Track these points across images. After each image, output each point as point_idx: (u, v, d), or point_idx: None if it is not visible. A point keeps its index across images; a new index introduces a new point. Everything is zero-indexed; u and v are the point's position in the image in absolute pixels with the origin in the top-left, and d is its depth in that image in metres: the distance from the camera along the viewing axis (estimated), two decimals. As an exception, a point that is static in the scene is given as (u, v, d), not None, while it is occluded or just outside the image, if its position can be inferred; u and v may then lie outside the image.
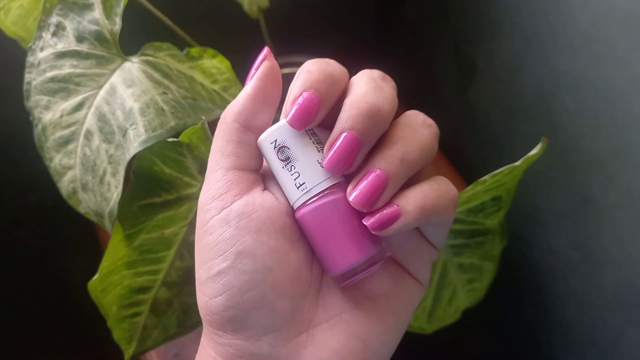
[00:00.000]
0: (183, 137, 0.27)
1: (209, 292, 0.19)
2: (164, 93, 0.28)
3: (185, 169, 0.29)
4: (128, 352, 0.31)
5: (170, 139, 0.28)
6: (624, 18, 0.41)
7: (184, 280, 0.32)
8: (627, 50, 0.41)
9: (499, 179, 0.29)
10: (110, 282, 0.29)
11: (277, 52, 0.52)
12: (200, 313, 0.20)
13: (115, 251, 0.28)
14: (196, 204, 0.31)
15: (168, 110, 0.28)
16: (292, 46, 0.51)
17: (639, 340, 0.46)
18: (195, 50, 0.30)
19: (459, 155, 0.67)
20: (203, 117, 0.26)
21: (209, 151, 0.27)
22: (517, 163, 0.29)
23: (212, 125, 0.29)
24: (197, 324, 0.33)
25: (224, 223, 0.19)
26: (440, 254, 0.35)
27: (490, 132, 0.61)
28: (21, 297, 0.74)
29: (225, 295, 0.18)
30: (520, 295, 0.61)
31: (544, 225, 0.55)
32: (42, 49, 0.29)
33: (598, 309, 0.50)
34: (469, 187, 0.29)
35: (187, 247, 0.31)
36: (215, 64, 0.30)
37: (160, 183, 0.29)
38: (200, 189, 0.31)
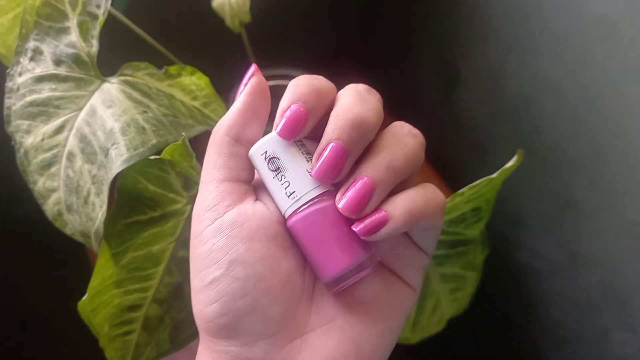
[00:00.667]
0: (165, 154, 0.27)
1: (204, 300, 0.19)
2: (144, 112, 0.28)
3: (169, 185, 0.30)
4: (119, 370, 0.31)
5: (152, 157, 0.28)
6: (600, 23, 0.41)
7: (174, 296, 0.32)
8: (605, 55, 0.42)
9: (477, 190, 0.30)
10: (100, 302, 0.29)
11: (260, 65, 0.52)
12: (196, 322, 0.20)
13: (103, 270, 0.29)
14: (182, 220, 0.31)
15: (149, 128, 0.28)
16: (276, 58, 0.52)
17: (624, 340, 0.46)
18: (173, 68, 0.30)
19: (444, 161, 0.68)
20: (183, 134, 0.26)
21: (191, 167, 0.28)
22: (494, 175, 0.29)
23: (194, 141, 0.29)
24: (189, 339, 0.33)
25: (217, 232, 0.19)
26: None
27: (473, 137, 0.62)
28: (10, 312, 0.73)
29: (219, 303, 0.19)
30: (507, 297, 0.61)
31: (529, 228, 0.55)
32: (20, 74, 0.30)
33: (584, 309, 0.50)
34: (449, 199, 0.29)
35: (176, 263, 0.31)
36: (194, 80, 0.31)
37: (145, 200, 0.29)
38: (185, 204, 0.31)
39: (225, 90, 0.39)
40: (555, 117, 0.49)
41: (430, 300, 0.37)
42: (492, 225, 0.56)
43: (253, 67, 0.21)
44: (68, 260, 0.70)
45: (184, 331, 0.33)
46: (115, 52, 0.35)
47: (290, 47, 0.67)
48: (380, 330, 0.21)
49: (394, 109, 0.64)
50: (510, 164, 0.30)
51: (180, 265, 0.32)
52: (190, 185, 0.29)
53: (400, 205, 0.19)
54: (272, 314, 0.19)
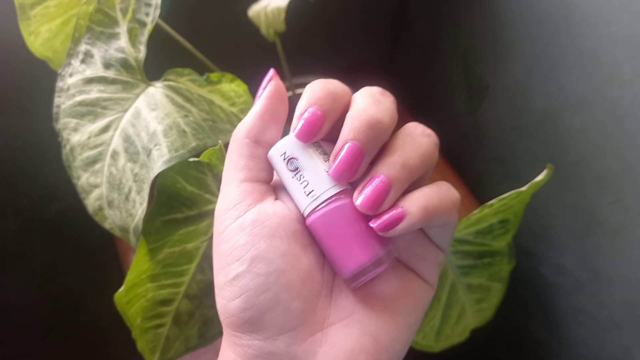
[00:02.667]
0: (203, 157, 0.29)
1: (227, 296, 0.20)
2: (186, 116, 0.29)
3: (205, 186, 0.31)
4: (150, 362, 0.32)
5: (191, 159, 0.29)
6: (630, 41, 0.42)
7: (205, 293, 0.33)
8: (633, 72, 0.42)
9: (506, 203, 0.30)
10: (135, 294, 0.30)
11: (293, 74, 0.54)
12: (220, 317, 0.21)
13: (140, 265, 0.30)
14: (215, 220, 0.33)
15: (189, 131, 0.29)
16: (308, 67, 0.53)
17: (647, 359, 0.46)
18: (214, 75, 0.32)
19: (468, 173, 0.68)
20: (220, 140, 0.27)
21: (227, 170, 0.29)
22: (524, 188, 0.30)
23: (231, 146, 0.30)
24: (217, 335, 0.34)
25: (239, 230, 0.20)
26: (449, 274, 0.35)
27: (499, 150, 0.62)
28: (41, 307, 0.76)
29: (242, 298, 0.20)
30: (529, 311, 0.61)
31: (554, 243, 0.55)
32: (71, 75, 0.31)
33: (606, 327, 0.50)
34: (477, 210, 0.30)
35: (208, 261, 0.33)
36: (234, 87, 0.32)
37: (182, 200, 0.30)
38: (218, 205, 0.32)
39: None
40: (583, 133, 0.49)
41: (455, 309, 0.37)
42: (516, 239, 0.55)
43: (271, 72, 0.22)
44: (98, 257, 0.72)
45: (212, 328, 0.34)
46: (158, 58, 0.37)
47: (322, 57, 0.68)
48: (398, 325, 0.21)
49: (420, 119, 0.65)
50: (539, 177, 0.30)
51: (212, 263, 0.33)
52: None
53: (416, 202, 0.20)
54: (293, 308, 0.20)
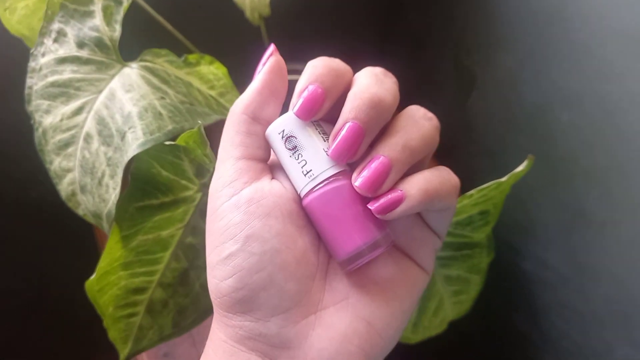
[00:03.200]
0: (180, 141, 0.28)
1: (220, 275, 0.20)
2: (162, 98, 0.28)
3: (182, 172, 0.30)
4: (124, 352, 0.31)
5: (167, 142, 0.28)
6: (621, 36, 0.41)
7: (180, 281, 0.32)
8: (623, 68, 0.42)
9: (486, 194, 0.30)
10: (107, 282, 0.29)
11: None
12: (211, 296, 0.21)
13: (112, 252, 0.29)
14: (192, 207, 0.32)
15: (166, 114, 0.28)
16: (293, 54, 0.52)
17: (628, 356, 0.46)
18: (193, 57, 0.31)
19: (458, 165, 0.68)
20: (200, 121, 0.26)
21: (205, 155, 0.28)
22: (504, 179, 0.29)
23: (208, 130, 0.29)
24: (191, 324, 0.33)
25: (234, 208, 0.20)
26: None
27: (488, 143, 0.62)
28: (19, 293, 0.74)
29: (235, 277, 0.19)
30: (512, 305, 0.61)
31: (537, 237, 0.55)
32: (43, 55, 0.30)
33: (588, 322, 0.50)
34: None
35: (183, 249, 0.32)
36: (213, 70, 0.31)
37: (158, 185, 0.29)
38: (196, 191, 0.32)
39: (241, 82, 0.40)
40: (572, 127, 0.48)
41: (433, 301, 0.37)
42: (501, 232, 0.55)
43: (272, 47, 0.21)
44: (78, 243, 0.72)
45: (187, 317, 0.33)
46: (136, 38, 0.36)
47: (309, 44, 0.67)
48: (392, 310, 0.21)
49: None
50: (520, 168, 0.29)
51: (187, 251, 0.32)
52: (203, 173, 0.30)
53: (416, 184, 0.19)
54: (287, 289, 0.20)
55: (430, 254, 0.23)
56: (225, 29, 0.57)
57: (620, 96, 0.43)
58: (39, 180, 0.65)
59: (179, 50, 0.35)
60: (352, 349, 0.20)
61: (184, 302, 0.32)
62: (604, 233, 0.46)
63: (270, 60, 0.21)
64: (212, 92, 0.31)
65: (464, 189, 0.69)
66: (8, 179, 0.62)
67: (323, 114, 0.20)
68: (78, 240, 0.71)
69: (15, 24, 0.42)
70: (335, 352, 0.20)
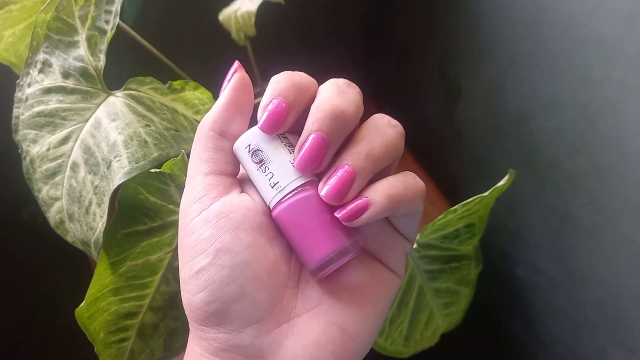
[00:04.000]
0: (165, 168, 0.28)
1: (192, 289, 0.20)
2: (147, 125, 0.29)
3: (168, 197, 0.30)
4: (114, 376, 0.32)
5: (153, 170, 0.29)
6: (600, 43, 0.42)
7: (170, 304, 0.32)
8: (603, 75, 0.43)
9: (470, 208, 0.30)
10: (97, 309, 0.30)
11: (264, 78, 0.53)
12: (185, 311, 0.21)
13: (101, 278, 0.29)
14: (180, 231, 0.32)
15: (151, 142, 0.29)
16: (280, 71, 0.52)
17: (620, 359, 0.46)
18: (177, 83, 0.31)
19: (445, 173, 0.68)
20: (183, 150, 0.27)
21: (189, 181, 0.28)
22: (486, 193, 0.30)
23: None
24: (182, 347, 0.34)
25: (203, 223, 0.20)
26: (416, 279, 0.35)
27: (474, 150, 0.63)
28: (14, 310, 0.74)
29: (207, 291, 0.20)
30: (505, 311, 0.61)
31: (528, 243, 0.55)
32: (29, 85, 0.31)
33: (581, 326, 0.50)
34: (442, 216, 0.30)
35: (173, 272, 0.32)
36: (198, 95, 0.32)
37: (145, 211, 0.30)
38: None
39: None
40: (555, 133, 0.49)
41: (423, 314, 0.37)
42: (491, 239, 0.56)
43: (236, 64, 0.22)
44: (70, 263, 0.71)
45: (178, 339, 0.33)
46: (122, 64, 0.36)
47: (295, 60, 0.68)
48: (366, 315, 0.21)
49: (393, 118, 0.65)
50: (501, 182, 0.30)
51: (177, 274, 0.33)
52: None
53: (381, 191, 0.20)
54: (259, 300, 0.20)
55: (400, 257, 0.23)
56: (211, 50, 0.58)
57: (601, 102, 0.44)
58: (31, 200, 0.65)
59: (165, 73, 0.36)
60: (326, 355, 0.20)
61: (174, 325, 0.32)
62: (592, 237, 0.47)
63: (234, 77, 0.22)
64: (198, 117, 0.31)
65: (456, 195, 0.70)
66: (3, 198, 0.63)
67: (288, 127, 0.21)
68: (70, 261, 0.71)
69: (3, 52, 0.43)
70: (309, 359, 0.20)
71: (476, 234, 0.35)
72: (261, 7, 0.48)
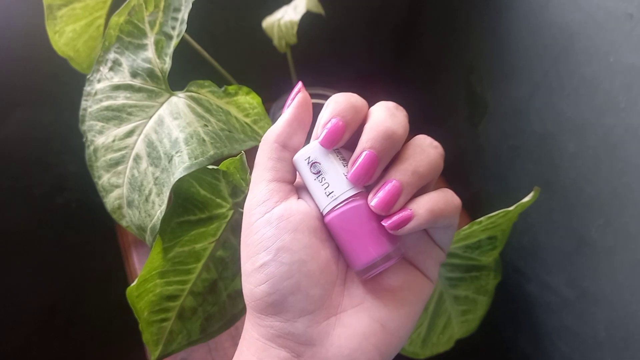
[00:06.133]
0: (222, 166, 0.31)
1: (254, 282, 0.23)
2: (205, 125, 0.31)
3: (218, 192, 0.33)
4: (155, 353, 0.34)
5: (210, 166, 0.31)
6: (627, 72, 0.43)
7: (209, 290, 0.35)
8: (628, 102, 0.44)
9: (494, 221, 0.32)
10: (144, 289, 0.32)
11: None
12: (246, 300, 0.24)
13: (153, 261, 0.32)
14: (224, 223, 0.35)
15: (208, 140, 0.31)
16: (316, 78, 0.55)
17: (626, 377, 0.47)
18: (232, 88, 0.34)
19: (465, 187, 0.70)
20: (243, 151, 0.30)
21: (243, 179, 0.31)
22: (511, 208, 0.32)
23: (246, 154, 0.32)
24: (217, 331, 0.36)
25: (266, 224, 0.23)
26: (437, 285, 0.38)
27: (495, 167, 0.64)
28: (42, 295, 0.77)
29: (267, 284, 0.22)
30: (516, 326, 0.63)
31: (542, 261, 0.57)
32: (99, 81, 0.33)
33: (590, 346, 0.52)
34: (467, 226, 0.32)
35: (214, 261, 0.35)
36: (249, 99, 0.34)
37: (196, 203, 0.32)
38: (228, 209, 0.35)
39: (267, 103, 0.43)
40: (576, 157, 0.51)
41: (442, 319, 0.39)
42: (506, 256, 0.57)
43: (300, 84, 0.25)
44: (99, 250, 0.74)
45: (214, 324, 0.36)
46: (181, 69, 0.39)
47: (330, 69, 0.70)
48: (403, 313, 0.24)
49: (422, 131, 0.67)
50: (526, 199, 0.32)
51: (217, 263, 0.35)
52: (237, 193, 0.33)
53: (424, 205, 0.22)
54: (312, 294, 0.23)
55: (434, 265, 0.26)
56: (254, 56, 0.60)
57: (624, 129, 0.45)
58: (66, 187, 0.68)
59: (214, 77, 0.38)
60: (369, 346, 0.23)
61: (211, 310, 0.35)
62: (605, 259, 0.48)
63: (298, 96, 0.24)
64: (247, 120, 0.34)
65: (475, 209, 0.71)
66: (40, 185, 0.65)
67: (343, 143, 0.23)
68: (100, 246, 0.73)
69: (63, 46, 0.46)
70: (353, 348, 0.23)
71: (497, 246, 0.37)
72: (302, 17, 0.50)
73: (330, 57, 0.70)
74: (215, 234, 0.34)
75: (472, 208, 0.69)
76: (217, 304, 0.36)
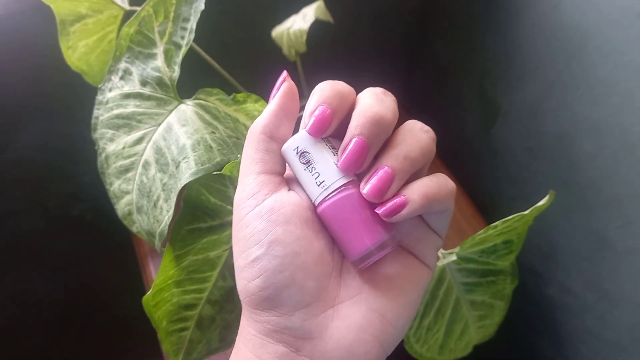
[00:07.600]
0: (225, 170, 0.31)
1: (247, 276, 0.22)
2: (213, 132, 0.32)
3: (227, 199, 0.33)
4: (175, 363, 0.34)
5: (215, 172, 0.31)
6: (641, 71, 0.43)
7: (226, 299, 0.35)
8: (644, 101, 0.43)
9: (509, 225, 0.32)
10: (161, 298, 0.32)
11: (311, 91, 0.56)
12: (240, 296, 0.23)
13: (166, 270, 0.32)
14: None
15: (215, 147, 0.31)
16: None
17: (650, 382, 0.46)
18: (240, 96, 0.34)
19: (480, 190, 0.69)
20: (239, 155, 0.30)
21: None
22: (526, 212, 0.31)
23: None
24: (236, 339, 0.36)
25: (257, 217, 0.22)
26: (453, 290, 0.37)
27: (511, 170, 0.63)
28: (58, 303, 0.78)
29: (261, 278, 0.22)
30: (536, 330, 0.62)
31: (561, 264, 0.56)
32: (110, 90, 0.34)
33: (612, 349, 0.50)
34: (482, 231, 0.32)
35: (229, 269, 0.34)
36: (257, 107, 0.34)
37: (206, 210, 0.32)
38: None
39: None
40: (594, 157, 0.50)
41: (459, 324, 0.38)
42: (524, 259, 0.56)
43: (284, 73, 0.24)
44: (115, 259, 0.75)
45: (232, 332, 0.36)
46: (190, 77, 0.39)
47: (340, 76, 0.70)
48: (401, 303, 0.23)
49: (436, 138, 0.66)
50: (542, 202, 0.31)
51: (233, 271, 0.35)
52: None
53: (417, 190, 0.22)
54: (307, 287, 0.22)
55: (432, 251, 0.25)
56: (264, 65, 0.61)
57: (641, 129, 0.44)
58: (82, 198, 0.69)
59: (224, 86, 0.39)
60: (368, 337, 0.22)
61: (229, 318, 0.35)
62: (625, 261, 0.47)
63: (283, 86, 0.24)
64: (257, 126, 0.34)
65: (489, 211, 0.70)
66: (56, 195, 0.67)
67: (331, 131, 0.23)
68: (117, 255, 0.74)
69: (76, 61, 0.46)
70: (352, 340, 0.22)
71: (513, 250, 0.36)
72: (311, 25, 0.51)
73: (340, 64, 0.70)
74: (228, 241, 0.34)
75: (488, 211, 0.68)
76: (235, 312, 0.36)
